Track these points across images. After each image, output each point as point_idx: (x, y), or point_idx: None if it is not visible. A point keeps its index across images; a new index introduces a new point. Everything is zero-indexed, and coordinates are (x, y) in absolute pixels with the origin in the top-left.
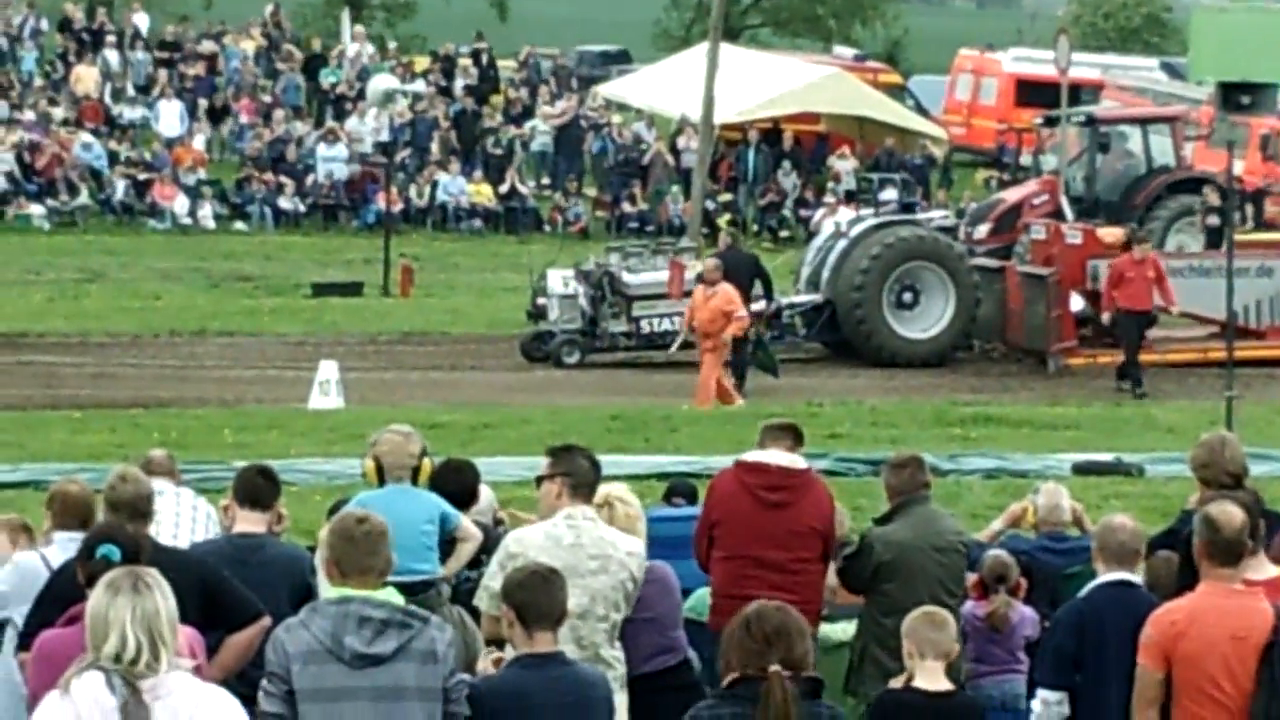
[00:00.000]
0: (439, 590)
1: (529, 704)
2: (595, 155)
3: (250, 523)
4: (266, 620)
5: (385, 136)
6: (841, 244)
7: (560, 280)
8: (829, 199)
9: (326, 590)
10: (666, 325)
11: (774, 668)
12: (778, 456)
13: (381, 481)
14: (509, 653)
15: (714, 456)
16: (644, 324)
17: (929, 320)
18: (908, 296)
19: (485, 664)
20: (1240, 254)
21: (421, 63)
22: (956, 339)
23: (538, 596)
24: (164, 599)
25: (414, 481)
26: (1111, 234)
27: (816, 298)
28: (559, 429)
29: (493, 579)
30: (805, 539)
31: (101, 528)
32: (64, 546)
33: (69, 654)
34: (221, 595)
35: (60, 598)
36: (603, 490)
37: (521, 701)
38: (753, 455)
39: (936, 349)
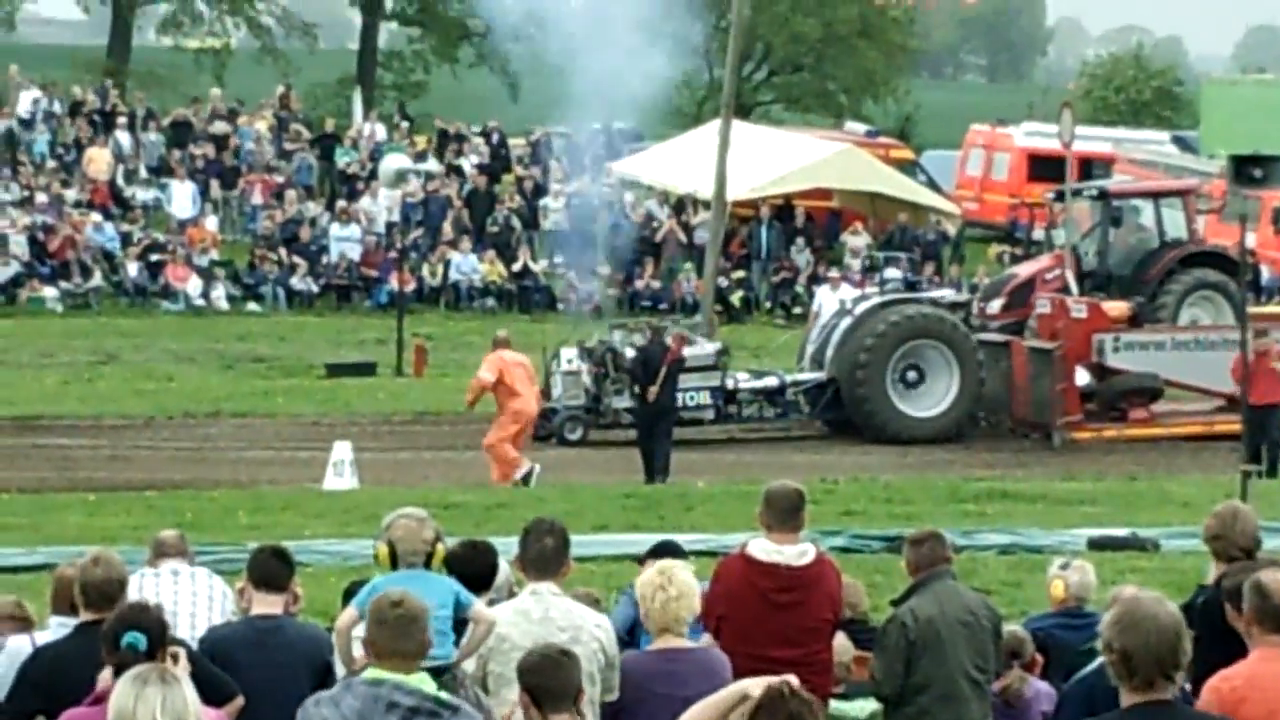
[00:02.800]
0: (454, 674)
1: None
2: (608, 233)
3: (267, 604)
4: (240, 700)
5: (397, 216)
6: (846, 322)
7: (565, 357)
8: (832, 274)
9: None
10: (676, 399)
11: None
12: (787, 553)
13: (394, 566)
14: None
15: (730, 534)
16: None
17: (934, 398)
18: (912, 375)
19: None
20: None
21: (422, 141)
22: (961, 417)
23: (552, 679)
24: (189, 691)
25: (427, 566)
26: (1117, 308)
27: (820, 375)
28: (573, 508)
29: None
30: (817, 633)
31: (127, 613)
32: (57, 632)
33: None
34: (200, 674)
35: (34, 683)
36: (660, 566)
37: None
38: (761, 550)
39: (941, 427)
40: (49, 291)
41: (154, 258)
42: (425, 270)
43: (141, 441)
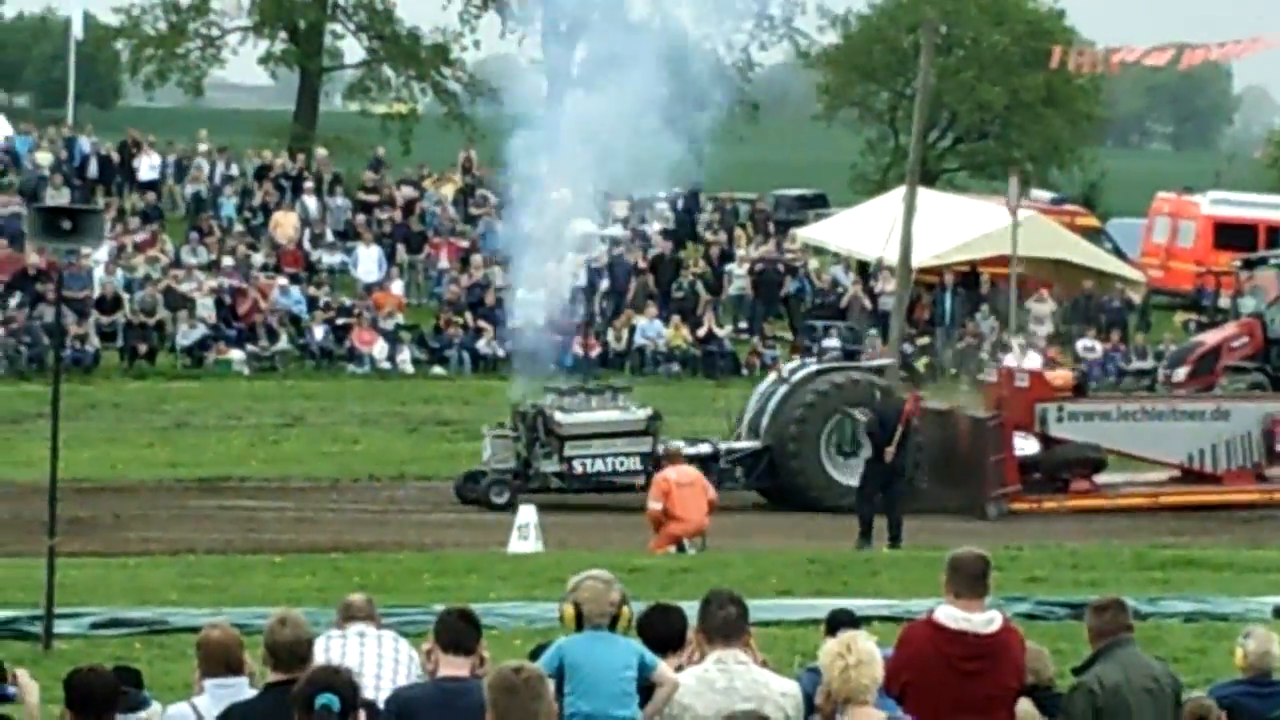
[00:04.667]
0: None
1: None
2: (792, 298)
3: (454, 667)
4: None
5: (583, 280)
6: (782, 390)
7: (493, 423)
8: (1018, 341)
9: None
10: (599, 466)
11: None
12: (974, 620)
13: (579, 627)
14: None
15: (913, 600)
16: (576, 464)
17: None
18: (848, 446)
19: None
20: (1194, 398)
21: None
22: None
23: None
24: None
25: (612, 628)
26: (1060, 376)
27: (756, 444)
28: (757, 572)
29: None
30: (1001, 701)
31: (319, 675)
32: (214, 695)
33: None
34: None
35: None
36: (843, 636)
37: None
38: (948, 617)
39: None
40: (236, 354)
41: (340, 321)
42: (610, 335)
43: (327, 504)
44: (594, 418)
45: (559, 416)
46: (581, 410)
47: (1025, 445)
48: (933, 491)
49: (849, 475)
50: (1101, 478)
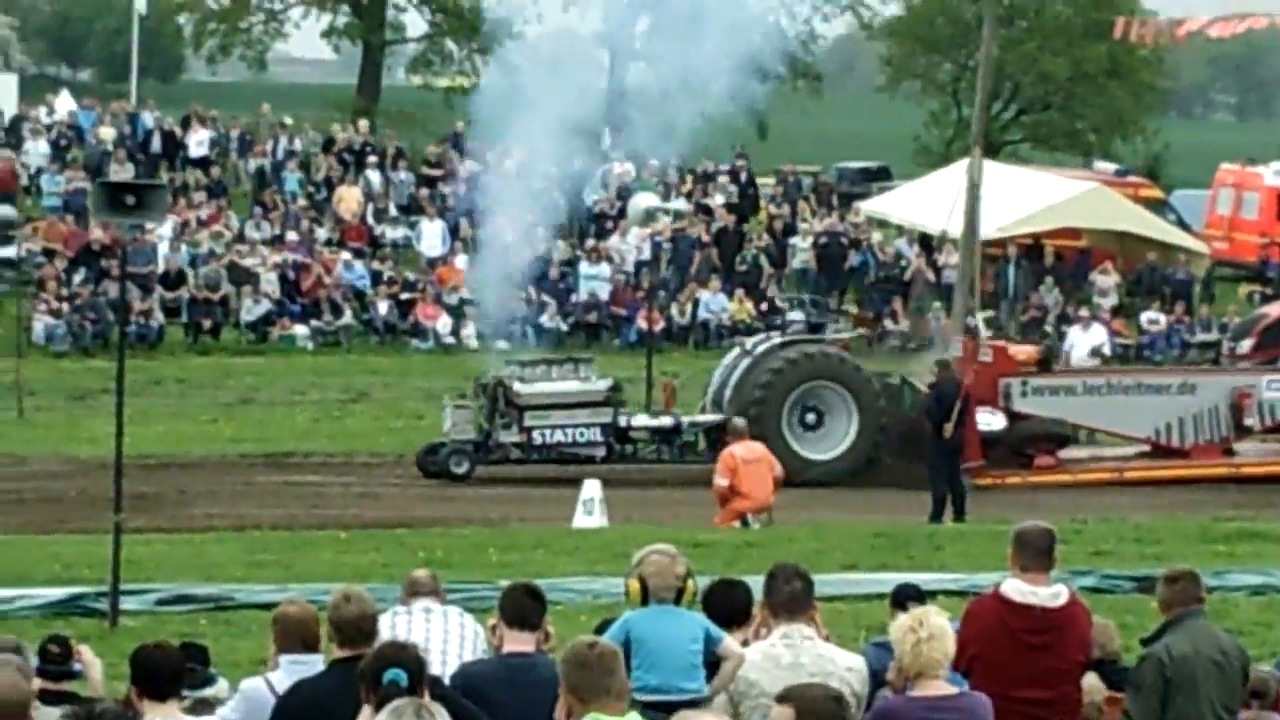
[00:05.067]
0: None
1: None
2: (856, 271)
3: (519, 642)
4: None
5: (646, 254)
6: (745, 363)
7: (451, 394)
8: (1082, 313)
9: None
10: (559, 437)
11: None
12: (1041, 594)
13: (645, 602)
14: None
15: (979, 574)
16: (535, 434)
17: (833, 441)
18: (811, 417)
19: None
20: (1160, 372)
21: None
22: (861, 460)
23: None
24: None
25: (677, 602)
26: (1024, 351)
27: (719, 416)
28: (822, 547)
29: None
30: (1068, 675)
31: (386, 651)
32: (289, 670)
33: None
34: (451, 710)
35: (295, 716)
36: (915, 612)
37: None
38: (1015, 590)
39: (840, 470)
40: (300, 329)
41: (404, 296)
42: (674, 309)
43: (392, 479)
44: (553, 388)
45: (518, 387)
46: (541, 381)
47: (991, 420)
48: (896, 466)
49: (809, 448)
50: (1066, 453)
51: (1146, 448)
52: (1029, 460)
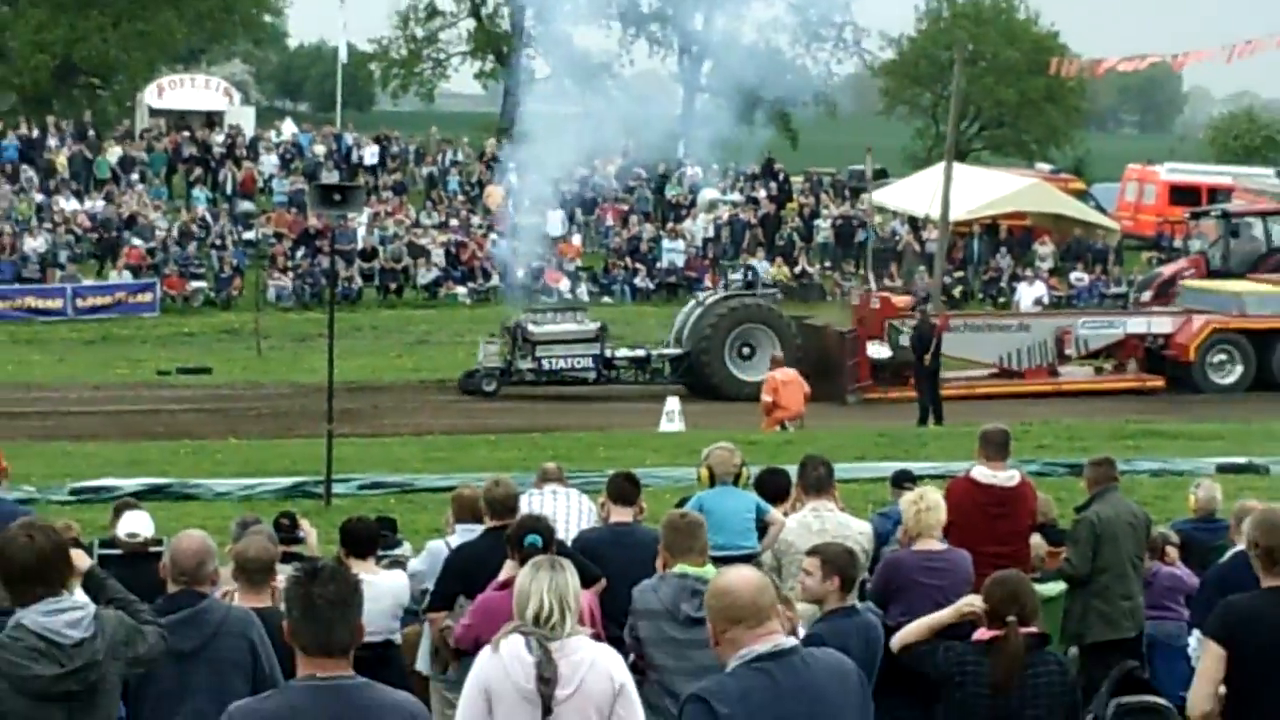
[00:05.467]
0: (758, 563)
1: (845, 644)
2: (862, 245)
3: (622, 515)
4: (603, 583)
5: (711, 233)
6: (698, 311)
7: (488, 333)
8: (1027, 273)
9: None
10: (561, 364)
11: (1010, 619)
12: (1000, 477)
13: (712, 484)
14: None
15: (954, 462)
16: (545, 363)
17: (762, 368)
18: (746, 350)
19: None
20: (1002, 315)
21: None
22: None
23: (850, 568)
24: (572, 577)
25: (735, 483)
26: (904, 300)
27: (678, 350)
28: (839, 444)
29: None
30: (1020, 535)
31: (526, 521)
32: (462, 535)
33: (503, 609)
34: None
35: (457, 572)
36: (918, 489)
37: (841, 641)
38: (981, 474)
39: None
40: (460, 290)
41: (535, 265)
42: (730, 273)
43: (526, 397)
44: (557, 328)
45: (531, 327)
46: (548, 323)
47: (879, 350)
48: (810, 385)
49: (745, 374)
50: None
51: (994, 370)
52: (905, 380)
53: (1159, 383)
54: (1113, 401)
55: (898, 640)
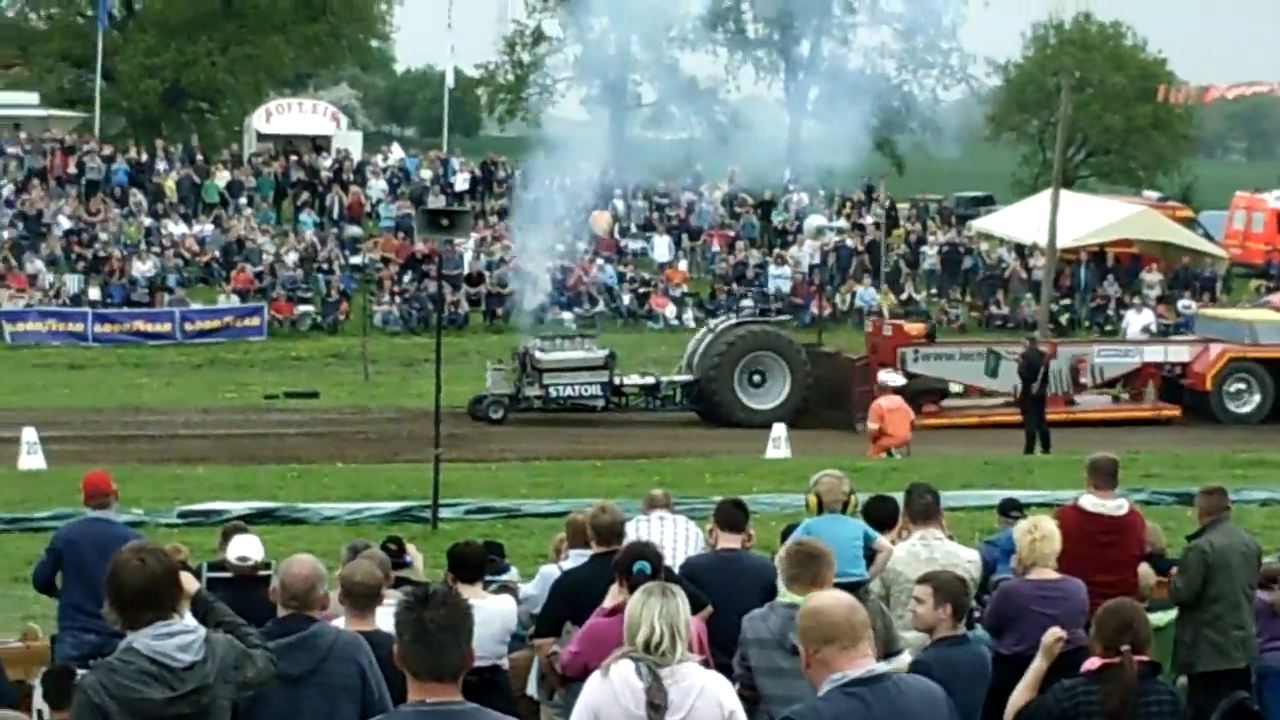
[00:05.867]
0: (865, 590)
1: (954, 672)
2: (968, 271)
3: (729, 541)
4: (709, 609)
5: (817, 259)
6: (708, 337)
7: (496, 358)
8: (1135, 301)
9: (783, 595)
10: (569, 392)
11: (1124, 647)
12: (1108, 505)
13: (819, 511)
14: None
15: (1061, 490)
16: (552, 390)
17: (772, 395)
18: (756, 378)
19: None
20: (1015, 343)
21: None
22: (791, 410)
23: (962, 595)
24: (683, 604)
25: (843, 511)
26: (917, 328)
27: (689, 377)
28: (946, 471)
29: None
30: (1128, 565)
31: (635, 548)
32: (574, 560)
33: (612, 636)
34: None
35: (564, 598)
36: (1032, 519)
37: (950, 669)
38: (1090, 502)
39: (777, 417)
40: (566, 315)
41: (641, 290)
42: (837, 299)
43: (634, 420)
44: (565, 355)
45: (538, 354)
46: (556, 350)
47: (894, 378)
48: (820, 412)
49: (754, 401)
50: (948, 402)
51: (1009, 399)
52: (919, 408)
53: (1175, 412)
54: (1129, 432)
55: (1009, 714)
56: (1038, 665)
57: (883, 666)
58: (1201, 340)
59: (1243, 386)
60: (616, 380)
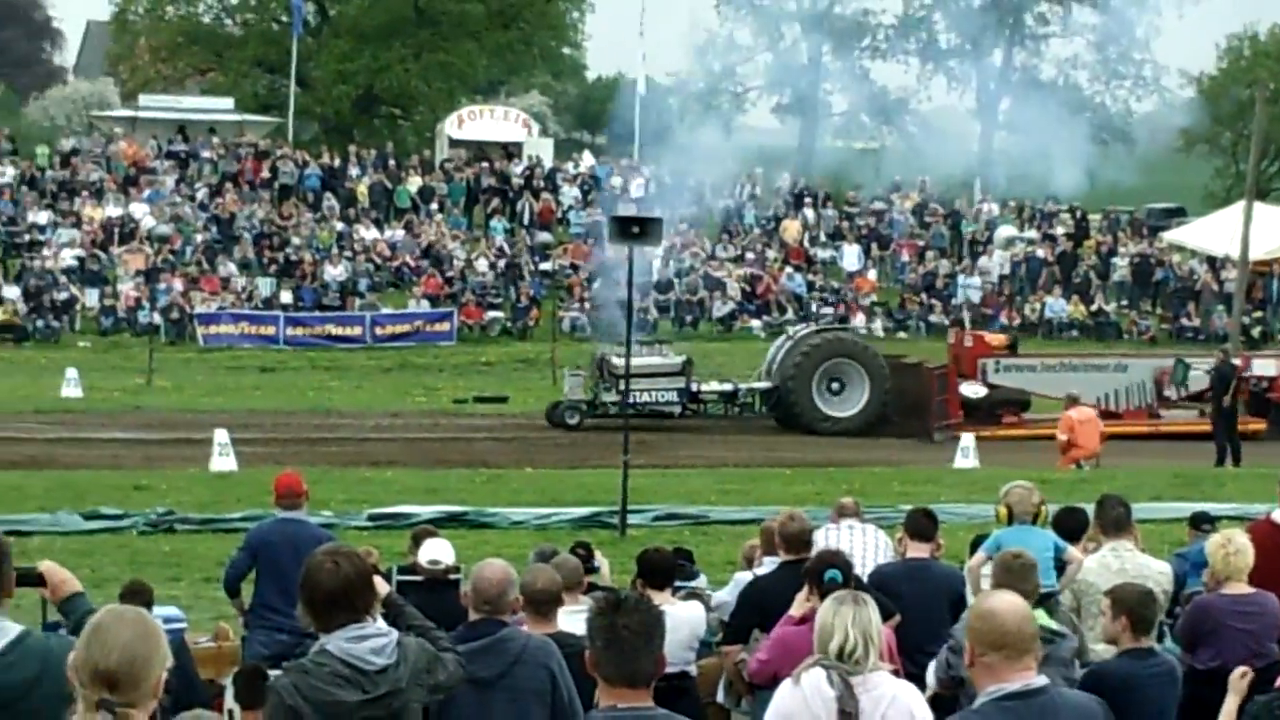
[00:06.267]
0: (1056, 601)
1: (1135, 684)
2: (1159, 283)
3: (918, 550)
4: (898, 618)
5: (1008, 270)
6: (788, 345)
7: (574, 364)
8: None
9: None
10: (646, 398)
11: None
12: None
13: (1010, 522)
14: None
15: (1253, 504)
16: (629, 396)
17: (851, 403)
18: (835, 385)
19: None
20: (1099, 354)
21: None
22: (871, 418)
23: (1147, 609)
24: (874, 612)
25: (1034, 522)
26: (998, 339)
27: (767, 384)
28: (1136, 483)
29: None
30: None
31: (825, 555)
32: (767, 567)
33: (801, 645)
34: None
35: (752, 605)
36: (1224, 532)
37: (1129, 682)
38: None
39: (856, 425)
40: (755, 323)
41: (830, 300)
42: (1027, 309)
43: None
44: (642, 362)
45: (615, 360)
46: (633, 357)
47: (974, 389)
48: (899, 422)
49: (833, 409)
50: (1029, 414)
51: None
52: (998, 419)
53: (1261, 425)
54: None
55: None
56: (1229, 707)
57: (1041, 680)
58: None
59: None
60: (694, 387)
